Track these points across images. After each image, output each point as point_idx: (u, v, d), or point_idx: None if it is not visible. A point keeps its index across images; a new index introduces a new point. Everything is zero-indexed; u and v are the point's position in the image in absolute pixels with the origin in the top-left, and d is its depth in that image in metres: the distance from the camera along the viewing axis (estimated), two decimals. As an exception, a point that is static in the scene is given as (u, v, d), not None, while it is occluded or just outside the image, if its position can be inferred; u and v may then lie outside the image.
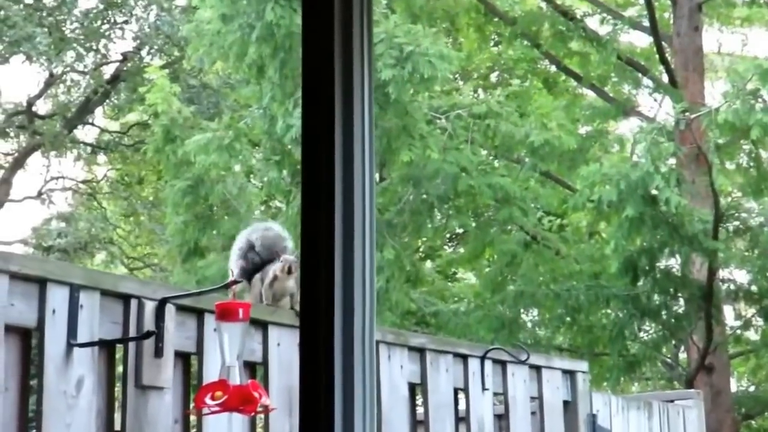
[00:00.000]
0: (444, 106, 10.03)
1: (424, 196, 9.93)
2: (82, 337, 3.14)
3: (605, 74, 11.20)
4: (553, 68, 11.98)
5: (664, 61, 10.61)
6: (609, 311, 10.10)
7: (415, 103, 9.61)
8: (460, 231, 12.09)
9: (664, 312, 9.97)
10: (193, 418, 3.46)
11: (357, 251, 2.16)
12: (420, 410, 4.84)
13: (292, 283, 3.98)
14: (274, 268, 4.02)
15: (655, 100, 12.17)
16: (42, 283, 3.09)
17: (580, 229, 11.05)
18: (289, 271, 3.99)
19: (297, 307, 3.83)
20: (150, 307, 3.37)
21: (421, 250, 11.65)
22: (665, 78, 10.68)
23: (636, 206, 8.89)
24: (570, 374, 5.49)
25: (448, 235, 12.61)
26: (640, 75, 11.33)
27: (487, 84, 13.24)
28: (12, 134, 14.38)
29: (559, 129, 9.87)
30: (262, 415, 3.58)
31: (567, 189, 10.74)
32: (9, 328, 2.98)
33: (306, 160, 2.22)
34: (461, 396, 4.94)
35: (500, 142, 10.03)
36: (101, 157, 14.91)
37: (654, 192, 8.96)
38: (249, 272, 4.07)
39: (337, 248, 2.14)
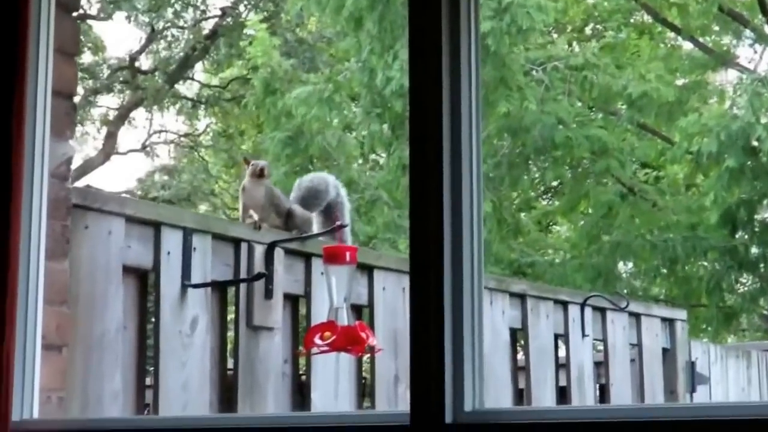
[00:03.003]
0: (541, 57, 10.00)
1: (521, 148, 9.99)
2: (196, 278, 3.25)
3: (705, 25, 11.04)
4: (650, 19, 11.85)
5: (765, 11, 10.42)
6: (706, 263, 10.03)
7: (512, 54, 9.60)
8: (555, 184, 12.09)
9: (762, 264, 9.88)
10: (301, 358, 3.58)
11: (465, 200, 2.20)
12: (520, 356, 4.96)
13: (262, 193, 3.89)
14: (245, 176, 3.96)
15: (755, 51, 11.98)
16: (156, 226, 3.18)
17: (677, 180, 10.98)
18: (261, 175, 3.91)
19: (263, 224, 3.71)
20: (259, 250, 3.45)
21: (516, 202, 11.70)
22: (767, 29, 10.53)
23: (737, 157, 8.81)
24: (669, 322, 5.56)
25: (542, 188, 12.61)
26: (741, 26, 11.16)
27: (582, 37, 13.12)
28: (116, 89, 14.69)
29: (657, 80, 9.82)
30: (369, 356, 3.75)
31: (664, 141, 10.69)
32: (126, 269, 3.09)
33: (414, 113, 2.26)
34: (561, 343, 5.05)
35: (597, 94, 9.97)
36: (202, 111, 15.16)
37: (755, 143, 8.89)
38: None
39: (446, 198, 2.19)
